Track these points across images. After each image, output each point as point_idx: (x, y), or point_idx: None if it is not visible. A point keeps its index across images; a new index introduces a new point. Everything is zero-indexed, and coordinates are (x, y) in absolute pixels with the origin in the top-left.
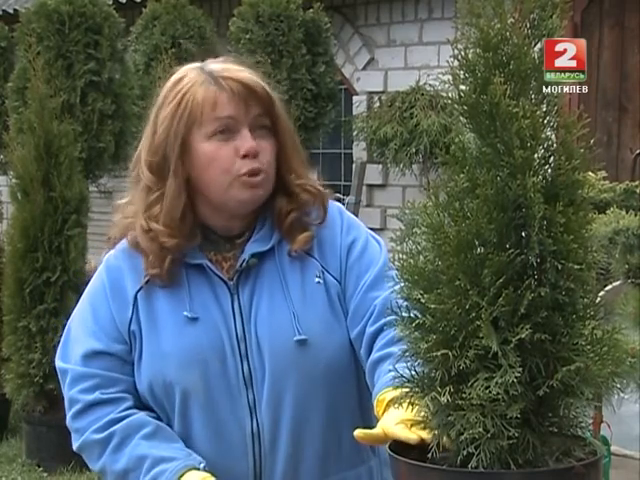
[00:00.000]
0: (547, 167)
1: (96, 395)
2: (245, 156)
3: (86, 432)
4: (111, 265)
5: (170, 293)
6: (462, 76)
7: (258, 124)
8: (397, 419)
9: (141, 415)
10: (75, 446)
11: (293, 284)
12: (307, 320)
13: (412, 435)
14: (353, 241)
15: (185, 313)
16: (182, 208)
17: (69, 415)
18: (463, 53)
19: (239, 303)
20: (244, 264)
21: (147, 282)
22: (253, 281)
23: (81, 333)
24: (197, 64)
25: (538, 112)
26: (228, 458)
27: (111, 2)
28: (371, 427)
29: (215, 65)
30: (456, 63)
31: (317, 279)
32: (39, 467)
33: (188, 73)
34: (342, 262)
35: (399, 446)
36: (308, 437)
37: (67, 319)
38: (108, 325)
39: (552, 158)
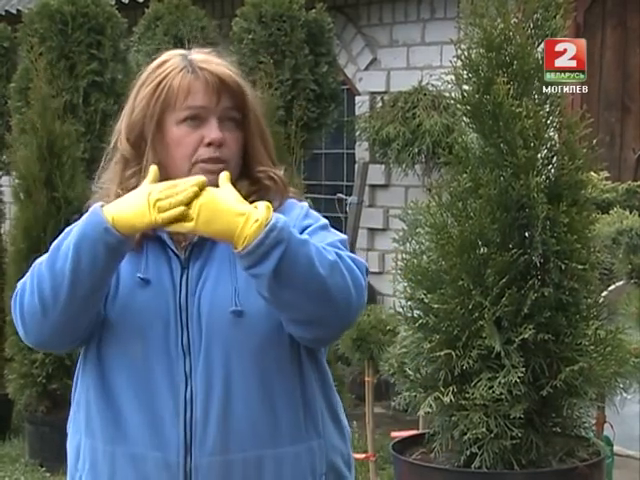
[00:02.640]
0: (550, 167)
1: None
2: (209, 144)
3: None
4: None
5: (132, 257)
6: (465, 76)
7: (227, 116)
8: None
9: None
10: (23, 330)
11: None
12: (248, 296)
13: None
14: (309, 225)
15: (138, 274)
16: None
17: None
18: (466, 53)
19: (187, 276)
20: (195, 238)
21: None
22: (205, 257)
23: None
24: (182, 50)
25: (541, 112)
26: (158, 424)
27: (114, 2)
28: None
29: (197, 55)
30: (459, 63)
31: None
32: (42, 467)
33: (171, 58)
34: None
35: (402, 446)
36: (240, 407)
37: None
38: None
39: (555, 158)
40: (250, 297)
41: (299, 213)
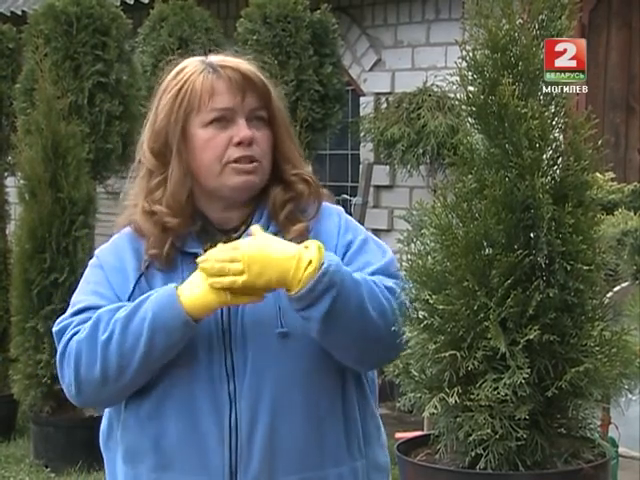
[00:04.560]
0: (556, 168)
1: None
2: (239, 143)
3: (79, 350)
4: (115, 242)
5: (166, 278)
6: (470, 77)
7: (254, 115)
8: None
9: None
10: (70, 372)
11: None
12: (293, 314)
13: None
14: (351, 241)
15: None
16: (187, 191)
17: (58, 358)
18: (471, 54)
19: None
20: None
21: (147, 267)
22: None
23: (76, 296)
24: (199, 57)
25: (547, 113)
26: (202, 449)
27: (119, 3)
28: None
29: (215, 57)
30: (464, 64)
31: None
32: (47, 467)
33: (189, 64)
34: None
35: (407, 447)
36: (286, 430)
37: None
38: (104, 287)
39: (561, 159)
40: (294, 316)
41: (338, 224)
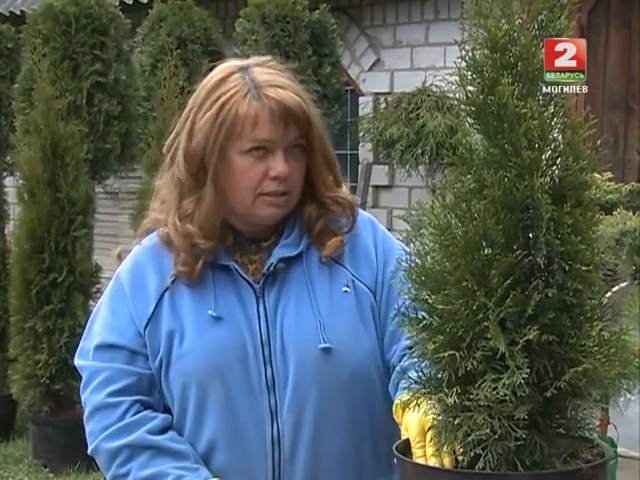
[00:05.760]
0: (555, 168)
1: (103, 397)
2: (274, 178)
3: (96, 439)
4: (137, 260)
5: (195, 292)
6: (469, 77)
7: (293, 144)
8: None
9: (151, 425)
10: (89, 449)
11: (320, 292)
12: (333, 329)
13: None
14: (390, 256)
15: (210, 312)
16: (222, 214)
17: (84, 416)
18: (470, 54)
19: (264, 306)
20: (272, 268)
21: (173, 281)
22: (279, 286)
23: (96, 327)
24: (240, 63)
25: (546, 113)
26: (247, 462)
27: (117, 3)
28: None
29: (260, 72)
30: (463, 64)
31: (345, 288)
32: (45, 468)
33: (230, 74)
34: (379, 276)
35: (406, 447)
36: (328, 444)
37: (73, 320)
38: (123, 319)
39: (560, 159)
40: (335, 330)
41: (373, 237)
